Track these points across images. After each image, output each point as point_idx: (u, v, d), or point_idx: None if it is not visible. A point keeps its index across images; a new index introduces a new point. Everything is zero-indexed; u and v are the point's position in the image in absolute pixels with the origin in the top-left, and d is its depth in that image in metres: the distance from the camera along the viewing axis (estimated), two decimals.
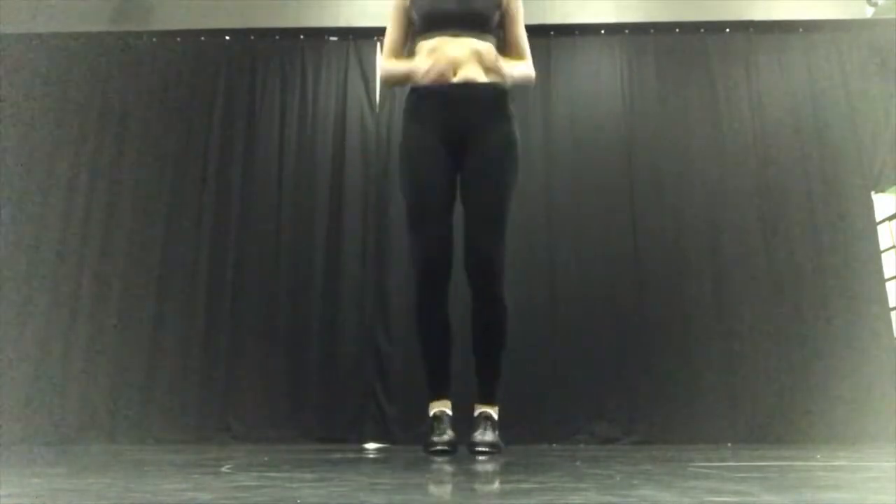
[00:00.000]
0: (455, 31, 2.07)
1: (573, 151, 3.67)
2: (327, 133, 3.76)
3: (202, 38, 3.92)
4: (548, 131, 3.70)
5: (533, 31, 3.97)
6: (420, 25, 2.13)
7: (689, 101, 3.75)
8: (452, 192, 2.09)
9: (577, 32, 3.88)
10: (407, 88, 2.17)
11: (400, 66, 2.15)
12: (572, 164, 3.65)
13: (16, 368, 3.38)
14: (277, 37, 3.92)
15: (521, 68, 2.16)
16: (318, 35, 3.91)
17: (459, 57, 2.04)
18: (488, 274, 2.03)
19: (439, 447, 1.97)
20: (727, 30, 3.85)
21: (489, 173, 2.05)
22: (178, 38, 3.91)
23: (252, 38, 3.91)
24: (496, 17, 2.13)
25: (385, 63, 2.20)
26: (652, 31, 3.86)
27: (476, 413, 2.10)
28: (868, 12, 3.89)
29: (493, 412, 2.10)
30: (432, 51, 2.07)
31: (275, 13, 3.93)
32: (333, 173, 3.70)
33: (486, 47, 2.09)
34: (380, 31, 3.82)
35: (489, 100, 2.08)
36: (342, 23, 3.90)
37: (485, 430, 2.03)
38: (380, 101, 3.78)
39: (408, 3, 2.17)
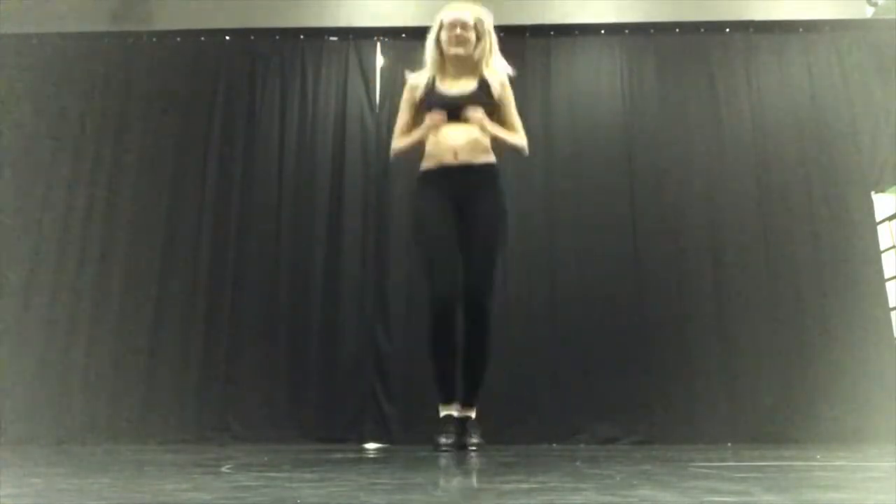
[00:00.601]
0: (456, 122, 2.45)
1: (573, 151, 3.67)
2: (327, 133, 3.76)
3: (202, 38, 3.92)
4: (548, 131, 3.69)
5: (533, 31, 3.99)
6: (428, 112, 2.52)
7: (689, 101, 3.74)
8: (457, 241, 2.47)
9: (577, 32, 3.88)
10: (419, 167, 2.52)
11: (408, 138, 2.56)
12: (572, 163, 3.65)
13: (16, 368, 3.38)
14: (277, 37, 3.92)
15: (514, 138, 2.55)
16: (318, 35, 3.91)
17: (459, 144, 2.43)
18: (481, 314, 2.42)
19: (445, 448, 2.29)
20: (727, 30, 3.85)
21: (482, 233, 2.45)
22: (178, 38, 3.91)
23: (252, 38, 3.91)
24: (491, 107, 2.51)
25: (395, 142, 2.59)
26: (652, 31, 3.85)
27: (462, 416, 2.48)
28: (868, 12, 3.88)
29: (473, 414, 2.52)
30: (437, 139, 2.46)
31: (275, 13, 3.93)
32: (333, 173, 3.70)
33: (485, 134, 2.46)
34: (380, 31, 3.86)
35: (483, 177, 2.48)
36: (342, 23, 3.90)
37: (471, 433, 2.43)
38: (380, 101, 3.78)
39: (419, 96, 2.54)
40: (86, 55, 3.85)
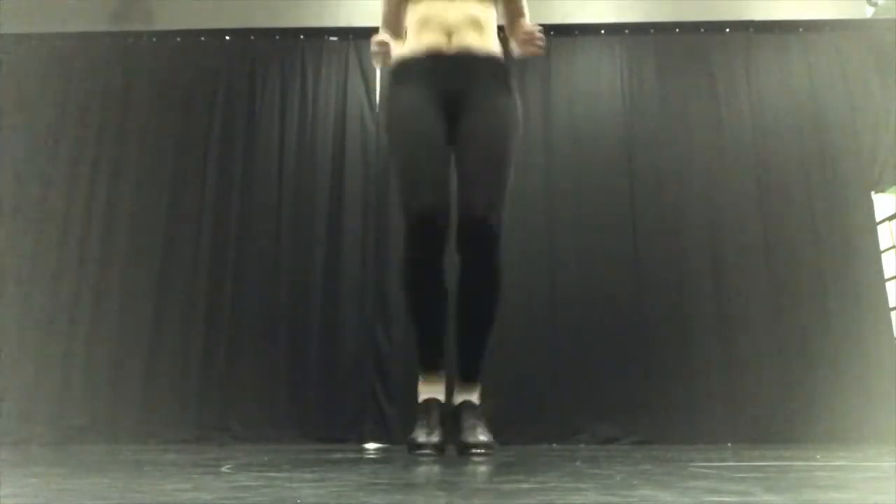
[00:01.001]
0: None
1: (573, 151, 3.67)
2: (327, 133, 3.76)
3: (202, 38, 3.92)
4: (548, 132, 3.69)
5: None
6: None
7: (689, 101, 3.74)
8: (448, 144, 1.85)
9: (577, 32, 3.88)
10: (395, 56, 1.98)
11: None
12: (572, 164, 3.65)
13: (16, 368, 3.38)
14: (277, 37, 3.92)
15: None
16: (318, 35, 3.91)
17: (454, 22, 1.85)
18: (485, 238, 1.76)
19: (425, 450, 1.76)
20: (727, 30, 3.85)
21: (488, 135, 1.83)
22: (178, 38, 3.91)
23: (252, 38, 3.91)
24: None
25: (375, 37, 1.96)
26: (652, 31, 3.85)
27: (458, 401, 1.89)
28: (868, 12, 3.89)
29: (475, 397, 1.90)
30: (425, 18, 1.87)
31: (275, 13, 3.93)
32: (333, 173, 3.70)
33: (487, 15, 1.91)
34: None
35: (488, 71, 1.88)
36: (342, 23, 3.90)
37: (474, 427, 1.82)
38: (380, 101, 3.78)
39: None
40: (86, 55, 3.85)
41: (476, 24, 1.87)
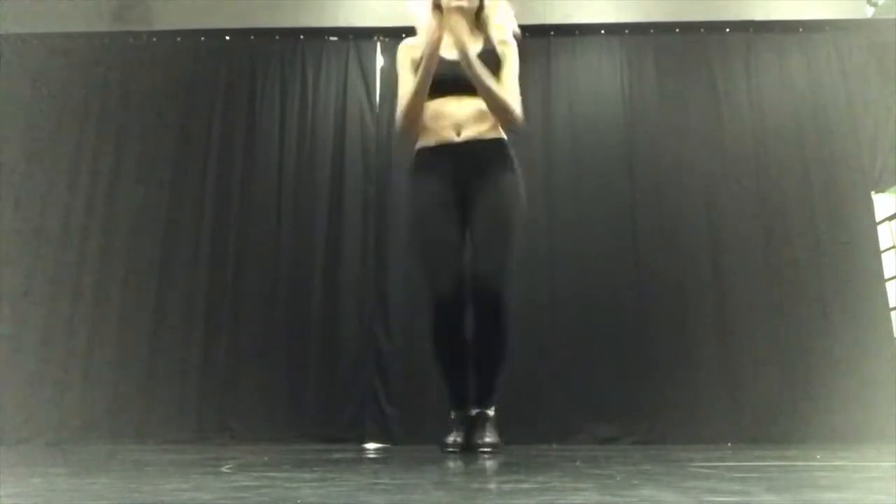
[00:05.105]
0: (458, 93, 2.15)
1: (573, 151, 3.67)
2: (327, 133, 3.76)
3: (202, 38, 3.92)
4: (548, 131, 3.69)
5: (533, 31, 3.98)
6: None
7: (689, 101, 3.74)
8: (462, 238, 2.17)
9: (577, 32, 3.88)
10: (414, 149, 2.24)
11: (408, 94, 2.16)
12: (572, 164, 3.65)
13: (16, 368, 3.38)
14: (277, 37, 3.92)
15: (502, 91, 2.14)
16: (318, 35, 3.91)
17: (463, 117, 2.14)
18: (492, 301, 2.09)
19: (450, 448, 2.16)
20: (727, 30, 3.85)
21: (491, 208, 2.14)
22: (178, 38, 3.91)
23: (252, 38, 3.91)
24: (495, 68, 2.19)
25: (398, 112, 2.19)
26: (652, 31, 3.85)
27: (473, 413, 2.20)
28: (868, 12, 3.89)
29: (490, 411, 2.21)
30: (437, 114, 2.17)
31: (275, 13, 3.93)
32: (333, 173, 3.70)
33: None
34: (380, 31, 3.85)
35: (491, 153, 2.18)
36: (342, 23, 3.91)
37: (484, 430, 2.16)
38: (380, 101, 3.78)
39: (415, 62, 2.20)
40: (86, 55, 3.85)
41: (482, 117, 2.15)
